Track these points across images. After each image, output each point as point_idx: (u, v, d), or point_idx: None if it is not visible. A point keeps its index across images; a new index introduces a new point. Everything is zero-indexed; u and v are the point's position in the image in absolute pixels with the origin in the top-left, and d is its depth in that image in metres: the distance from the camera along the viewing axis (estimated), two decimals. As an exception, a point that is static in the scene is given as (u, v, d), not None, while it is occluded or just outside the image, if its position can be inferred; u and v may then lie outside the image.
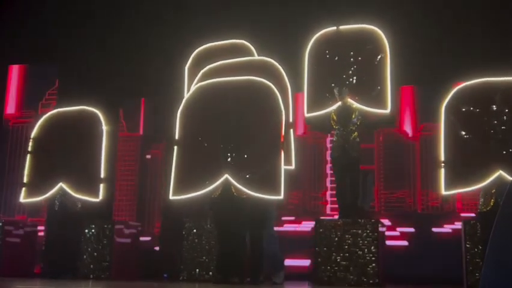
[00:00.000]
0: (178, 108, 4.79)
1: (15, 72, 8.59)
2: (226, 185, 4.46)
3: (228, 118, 4.57)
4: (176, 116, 4.76)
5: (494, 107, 4.46)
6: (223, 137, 4.53)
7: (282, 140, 4.44)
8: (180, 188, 4.55)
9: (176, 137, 4.72)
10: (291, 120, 4.84)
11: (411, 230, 6.96)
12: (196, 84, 4.96)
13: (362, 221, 4.78)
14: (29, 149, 5.59)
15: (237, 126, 4.54)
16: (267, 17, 7.13)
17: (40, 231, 6.68)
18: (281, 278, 4.85)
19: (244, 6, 7.30)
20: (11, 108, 8.43)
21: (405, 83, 6.90)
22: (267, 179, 4.39)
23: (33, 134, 5.64)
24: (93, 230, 5.60)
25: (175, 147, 4.69)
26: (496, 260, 1.21)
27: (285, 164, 4.47)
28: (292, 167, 4.79)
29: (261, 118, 4.57)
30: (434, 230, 6.86)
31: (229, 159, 4.45)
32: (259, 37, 6.02)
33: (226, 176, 4.40)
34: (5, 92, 8.44)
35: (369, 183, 5.48)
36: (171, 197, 4.59)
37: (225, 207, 4.52)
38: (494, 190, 4.29)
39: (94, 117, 5.47)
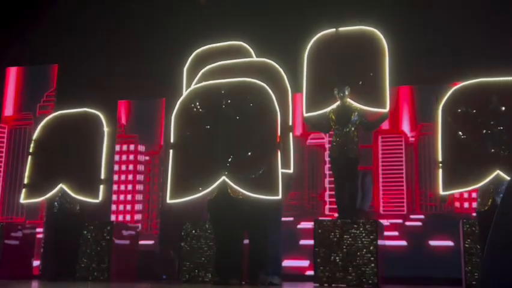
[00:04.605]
0: (173, 111, 4.78)
1: (13, 74, 8.58)
2: (223, 186, 4.45)
3: (222, 120, 4.56)
4: (171, 118, 4.75)
5: (491, 107, 4.47)
6: (218, 138, 4.52)
7: (278, 140, 4.43)
8: (177, 192, 4.55)
9: (172, 140, 4.71)
10: (290, 123, 4.83)
11: (410, 230, 6.97)
12: (196, 84, 4.96)
13: (361, 221, 4.79)
14: (30, 150, 5.60)
15: (232, 128, 4.53)
16: (266, 19, 7.14)
17: (39, 233, 6.68)
18: (279, 279, 4.84)
19: (243, 7, 7.30)
20: (8, 110, 8.43)
21: (403, 83, 6.92)
22: (264, 180, 4.38)
23: (34, 135, 5.65)
24: (92, 232, 5.59)
25: (171, 151, 4.68)
26: (495, 259, 1.22)
27: (283, 168, 4.46)
28: (291, 170, 4.77)
29: (256, 118, 4.56)
30: (433, 230, 6.87)
31: (225, 161, 4.44)
32: (258, 39, 6.02)
33: (223, 177, 4.40)
34: (2, 94, 8.44)
35: (368, 184, 5.48)
36: (168, 201, 4.58)
37: (222, 208, 4.51)
38: (492, 190, 4.31)
39: (95, 119, 5.47)
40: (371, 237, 4.69)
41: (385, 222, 6.61)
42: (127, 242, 5.96)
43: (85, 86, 7.43)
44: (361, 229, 4.72)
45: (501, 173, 4.22)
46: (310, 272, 5.36)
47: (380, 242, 4.80)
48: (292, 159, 4.76)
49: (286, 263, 6.41)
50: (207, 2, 7.50)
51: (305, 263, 6.77)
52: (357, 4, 6.67)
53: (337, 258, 4.71)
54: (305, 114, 5.28)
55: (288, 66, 5.14)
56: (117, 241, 5.67)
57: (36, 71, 8.52)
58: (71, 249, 5.40)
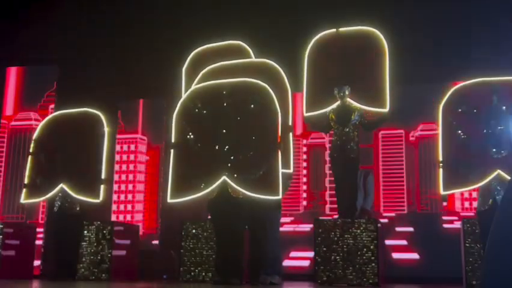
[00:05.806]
0: (174, 110, 4.79)
1: (13, 74, 8.58)
2: (223, 186, 4.46)
3: (223, 120, 4.57)
4: (172, 118, 4.76)
5: (491, 107, 4.47)
6: (219, 138, 4.53)
7: (278, 140, 4.44)
8: (178, 191, 4.55)
9: (172, 139, 4.72)
10: (290, 123, 4.83)
11: (410, 229, 6.97)
12: (196, 84, 4.96)
13: (361, 220, 4.79)
14: (31, 150, 5.60)
15: (232, 128, 4.54)
16: (266, 19, 7.13)
17: (39, 233, 6.69)
18: (279, 279, 4.85)
19: (243, 7, 7.30)
20: (9, 110, 8.43)
21: (403, 82, 6.92)
22: (264, 179, 4.38)
23: (35, 135, 5.65)
24: (92, 232, 5.60)
25: (172, 150, 4.69)
26: (496, 257, 1.22)
27: (283, 167, 4.46)
28: (291, 170, 4.77)
29: (257, 119, 4.57)
30: (433, 229, 6.87)
31: (226, 161, 4.44)
32: (258, 39, 6.02)
33: (224, 177, 4.40)
34: (2, 94, 8.43)
35: (370, 183, 5.49)
36: (169, 201, 4.59)
37: (222, 208, 4.52)
38: (492, 189, 4.31)
39: (96, 119, 5.47)
40: (372, 236, 4.69)
41: (385, 221, 6.61)
42: (127, 242, 5.96)
43: (85, 86, 7.43)
44: (361, 228, 4.72)
45: (501, 173, 4.22)
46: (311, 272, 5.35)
47: (380, 242, 4.80)
48: (292, 159, 4.76)
49: (286, 262, 6.42)
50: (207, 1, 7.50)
51: (305, 263, 6.77)
52: (357, 4, 6.67)
53: (337, 257, 4.71)
54: (305, 114, 5.29)
55: (288, 66, 5.14)
56: (117, 241, 5.67)
57: (36, 71, 8.52)
58: (71, 249, 5.40)
